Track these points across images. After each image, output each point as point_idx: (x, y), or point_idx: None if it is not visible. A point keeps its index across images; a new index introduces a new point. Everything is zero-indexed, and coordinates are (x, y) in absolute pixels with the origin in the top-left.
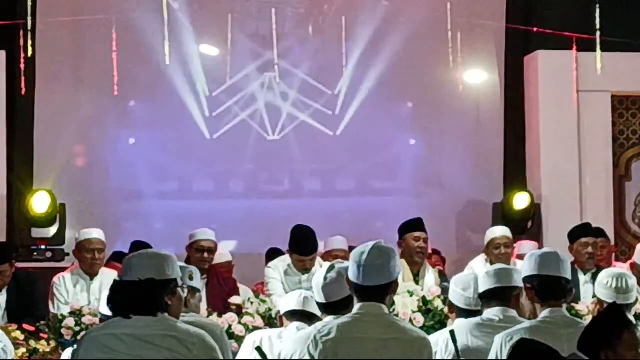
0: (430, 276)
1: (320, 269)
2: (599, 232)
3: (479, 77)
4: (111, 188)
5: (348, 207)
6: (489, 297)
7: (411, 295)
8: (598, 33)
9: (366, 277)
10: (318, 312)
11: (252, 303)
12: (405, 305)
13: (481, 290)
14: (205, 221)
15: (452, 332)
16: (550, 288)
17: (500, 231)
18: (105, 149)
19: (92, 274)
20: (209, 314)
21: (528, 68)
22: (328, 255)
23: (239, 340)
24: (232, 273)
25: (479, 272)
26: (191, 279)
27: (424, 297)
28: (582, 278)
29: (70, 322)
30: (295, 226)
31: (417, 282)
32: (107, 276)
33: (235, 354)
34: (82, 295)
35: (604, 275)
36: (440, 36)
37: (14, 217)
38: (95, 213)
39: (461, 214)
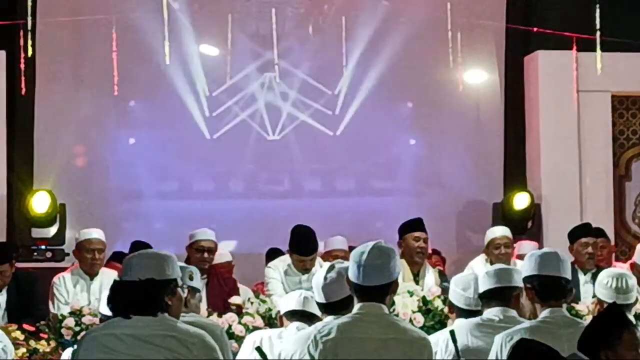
0: (430, 276)
1: (320, 269)
2: (599, 232)
3: (479, 77)
4: (111, 188)
5: (348, 207)
6: (489, 297)
7: (411, 295)
8: (598, 33)
9: (366, 277)
10: (318, 312)
11: (252, 303)
12: (405, 305)
13: (481, 290)
14: (205, 221)
15: (452, 332)
16: (550, 288)
17: (500, 231)
18: (105, 149)
19: (92, 274)
20: (209, 314)
21: (528, 68)
22: (328, 255)
23: (239, 340)
24: (232, 273)
25: (479, 272)
26: (191, 279)
27: (424, 297)
28: (582, 278)
29: (70, 322)
30: (295, 226)
31: (417, 282)
32: (107, 276)
33: (235, 354)
34: (82, 295)
35: (604, 275)
36: (440, 36)
37: (14, 217)
38: (95, 213)
39: (461, 214)
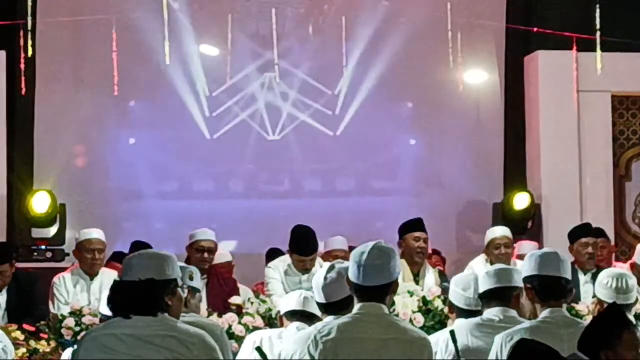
0: (430, 276)
1: (320, 269)
2: (599, 232)
3: (479, 77)
4: (111, 188)
5: (348, 207)
6: (489, 297)
7: (411, 295)
8: (598, 33)
9: (366, 277)
10: (318, 312)
11: (252, 303)
12: (405, 305)
13: (481, 290)
14: (205, 221)
15: (452, 332)
16: (550, 288)
17: (500, 231)
18: (105, 149)
19: (92, 274)
20: (209, 314)
21: (528, 68)
22: (328, 255)
23: (239, 340)
24: (232, 273)
25: (479, 272)
26: (191, 279)
27: (424, 297)
28: (582, 278)
29: (70, 322)
30: (295, 226)
31: (417, 282)
32: (107, 276)
33: (235, 354)
34: (82, 295)
35: (604, 275)
36: (440, 36)
37: (14, 217)
38: (95, 213)
39: (461, 214)
